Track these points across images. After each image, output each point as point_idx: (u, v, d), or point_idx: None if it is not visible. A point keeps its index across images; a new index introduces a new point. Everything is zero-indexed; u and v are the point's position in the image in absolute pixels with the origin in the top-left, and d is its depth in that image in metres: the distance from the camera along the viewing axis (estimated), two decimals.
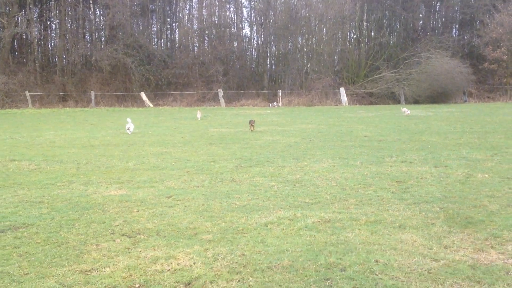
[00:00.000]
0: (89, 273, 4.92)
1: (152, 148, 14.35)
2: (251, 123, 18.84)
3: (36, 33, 44.96)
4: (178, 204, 7.59)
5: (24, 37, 46.75)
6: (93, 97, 39.30)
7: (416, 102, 39.73)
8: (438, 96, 39.59)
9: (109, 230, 6.29)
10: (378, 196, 7.90)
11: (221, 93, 40.89)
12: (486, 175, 9.42)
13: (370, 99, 43.50)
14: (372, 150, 13.19)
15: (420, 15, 52.95)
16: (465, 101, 41.73)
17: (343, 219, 6.60)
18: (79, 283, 4.66)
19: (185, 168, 10.85)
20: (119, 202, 7.75)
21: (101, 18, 49.46)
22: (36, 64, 45.38)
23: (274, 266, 4.97)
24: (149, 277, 4.77)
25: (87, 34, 49.74)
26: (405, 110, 25.81)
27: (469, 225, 6.25)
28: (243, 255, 5.30)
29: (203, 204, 7.56)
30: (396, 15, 50.88)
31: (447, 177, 9.30)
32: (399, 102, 41.61)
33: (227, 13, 53.69)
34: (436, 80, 38.95)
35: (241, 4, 54.46)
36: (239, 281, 4.64)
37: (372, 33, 51.61)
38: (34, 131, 20.28)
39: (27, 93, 38.17)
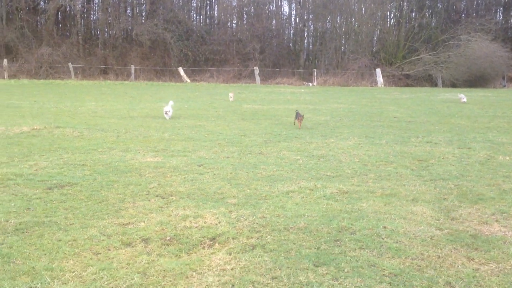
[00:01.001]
0: (126, 226, 5.56)
1: (187, 121, 15.01)
2: (299, 118, 13.51)
3: (79, 6, 46.08)
4: (208, 172, 8.19)
5: (67, 9, 48.01)
6: (133, 71, 40.33)
7: (453, 85, 39.22)
8: (476, 80, 38.95)
9: (144, 191, 6.94)
10: (397, 173, 8.30)
11: (257, 70, 41.27)
12: (507, 158, 9.66)
13: (407, 81, 43.14)
14: (400, 130, 13.48)
15: None
16: (504, 86, 40.91)
17: (360, 191, 7.06)
18: (117, 233, 5.31)
19: (216, 140, 11.45)
20: (154, 168, 8.41)
21: None
22: (79, 37, 46.69)
23: (291, 227, 5.50)
24: (179, 232, 5.37)
25: (128, 8, 50.70)
26: (462, 96, 22.44)
27: (480, 201, 6.62)
28: (264, 217, 5.85)
29: (231, 173, 8.14)
30: None
31: (468, 158, 9.60)
32: (436, 85, 41.14)
33: None
34: (475, 64, 38.30)
35: None
36: (258, 238, 5.19)
37: (413, 14, 50.84)
38: (77, 101, 21.26)
39: (70, 64, 39.48)
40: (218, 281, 4.22)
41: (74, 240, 5.08)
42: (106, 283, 4.16)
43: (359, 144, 11.18)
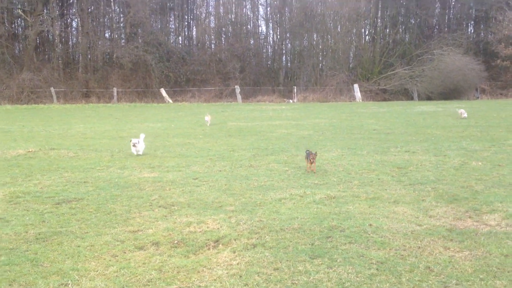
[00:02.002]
0: (136, 232, 6.10)
1: (176, 139, 15.56)
2: (311, 158, 9.63)
3: (58, 31, 46.46)
4: (203, 184, 8.77)
5: (47, 35, 48.34)
6: (115, 93, 40.74)
7: (428, 98, 40.47)
8: (451, 92, 40.28)
9: (147, 203, 7.49)
10: (379, 179, 8.98)
11: (238, 89, 42.03)
12: (480, 163, 10.42)
13: (384, 95, 44.34)
14: (379, 141, 14.23)
15: (436, 11, 53.52)
16: (477, 97, 42.33)
17: (346, 196, 7.71)
18: (129, 239, 5.84)
19: (207, 156, 12.03)
20: (152, 182, 8.95)
21: (121, 16, 50.88)
22: (59, 61, 46.98)
23: (286, 228, 6.11)
24: (185, 236, 5.93)
25: (107, 32, 51.24)
26: (462, 111, 20.54)
27: (454, 201, 7.31)
28: (261, 221, 6.44)
29: (225, 184, 8.72)
30: (410, 12, 51.56)
31: (444, 164, 10.33)
32: (412, 98, 42.38)
33: (244, 11, 54.91)
34: (448, 77, 39.67)
35: (257, 1, 55.57)
36: (257, 238, 5.78)
37: (387, 30, 52.40)
38: (64, 124, 21.64)
39: (52, 89, 39.73)
40: (227, 273, 4.79)
41: (91, 245, 5.61)
42: (128, 278, 4.70)
43: (342, 155, 11.86)
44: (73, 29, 51.22)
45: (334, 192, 7.93)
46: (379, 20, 53.13)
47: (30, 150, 13.08)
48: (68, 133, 17.88)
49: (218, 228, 6.18)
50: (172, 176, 9.55)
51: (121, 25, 50.43)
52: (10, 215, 6.90)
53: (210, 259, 5.20)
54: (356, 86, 43.00)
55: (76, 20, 50.47)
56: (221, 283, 4.57)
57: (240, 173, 9.84)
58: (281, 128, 18.66)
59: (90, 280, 4.64)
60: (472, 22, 55.04)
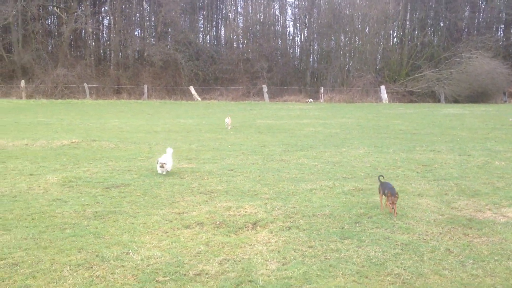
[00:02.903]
0: (181, 214, 6.75)
1: (208, 134, 16.26)
2: (391, 199, 6.59)
3: (92, 28, 47.76)
4: (239, 175, 9.40)
5: (80, 32, 49.75)
6: (145, 90, 41.80)
7: (456, 101, 40.47)
8: (478, 95, 40.21)
9: (189, 190, 8.15)
10: (404, 175, 9.48)
11: (265, 88, 42.65)
12: (503, 163, 10.82)
13: (410, 97, 44.41)
14: (405, 141, 14.67)
15: (465, 14, 53.24)
16: (505, 101, 42.12)
17: (373, 188, 8.24)
18: (176, 219, 6.49)
19: (240, 150, 12.67)
20: (191, 172, 9.63)
21: (152, 15, 52.02)
22: (92, 58, 48.31)
23: (318, 214, 6.69)
24: (226, 218, 6.56)
25: (138, 30, 52.43)
26: None
27: (476, 196, 7.78)
28: (294, 207, 7.04)
29: (259, 176, 9.34)
30: (439, 15, 51.43)
31: (468, 163, 10.76)
32: (439, 101, 42.39)
33: (272, 11, 55.46)
34: (476, 80, 39.61)
35: (286, 2, 56.11)
36: (292, 222, 6.37)
37: (415, 32, 52.37)
38: (100, 118, 22.58)
39: (85, 85, 41.00)
40: (266, 249, 5.39)
41: (144, 223, 6.28)
42: (179, 250, 5.34)
43: (369, 152, 12.37)
44: (105, 27, 52.61)
45: (361, 185, 8.48)
46: (407, 22, 53.13)
47: (74, 141, 13.92)
48: (105, 126, 18.75)
49: (255, 213, 6.79)
50: (208, 167, 10.21)
51: (152, 23, 51.59)
52: (66, 196, 7.64)
53: (250, 238, 5.81)
54: (382, 87, 43.20)
55: (108, 18, 51.86)
56: (262, 256, 5.17)
57: (272, 166, 10.44)
58: (308, 127, 19.20)
59: (147, 250, 5.30)
60: (502, 26, 54.58)
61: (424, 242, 5.58)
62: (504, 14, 51.65)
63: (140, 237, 5.77)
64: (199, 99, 41.87)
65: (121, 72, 46.53)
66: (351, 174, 9.53)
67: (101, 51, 52.43)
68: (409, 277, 4.61)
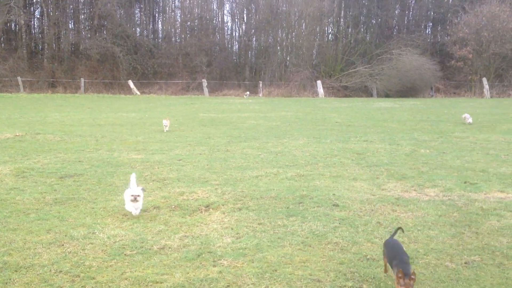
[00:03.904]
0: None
1: (153, 127, 16.59)
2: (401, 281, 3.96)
3: (24, 20, 46.22)
4: (188, 164, 9.93)
5: (13, 24, 48.02)
6: (82, 84, 41.08)
7: (387, 96, 42.53)
8: (407, 90, 42.45)
9: (142, 178, 8.60)
10: (341, 162, 10.34)
11: (205, 83, 43.01)
12: (428, 151, 11.94)
13: (345, 92, 46.16)
14: (341, 132, 15.66)
15: (396, 12, 55.78)
16: (432, 95, 44.67)
17: (313, 174, 9.02)
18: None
19: (186, 141, 13.17)
20: (141, 162, 10.05)
21: (87, 7, 50.89)
22: (24, 51, 46.75)
23: (265, 196, 7.35)
24: (180, 202, 7.09)
25: (71, 23, 51.09)
26: (467, 116, 18.18)
27: (403, 179, 8.72)
28: (243, 191, 7.67)
29: (207, 165, 9.91)
30: (371, 13, 53.62)
31: (396, 151, 11.80)
32: (371, 95, 44.38)
33: (210, 6, 55.70)
34: (406, 76, 41.82)
35: None
36: (242, 204, 7.00)
37: (349, 30, 54.34)
38: (39, 112, 22.25)
39: (19, 78, 39.76)
40: (220, 227, 5.99)
41: (104, 208, 6.72)
42: (141, 229, 5.84)
43: (308, 143, 13.21)
44: (36, 19, 50.89)
45: (303, 171, 9.24)
46: (341, 20, 54.99)
47: (17, 134, 13.90)
48: (47, 120, 18.61)
49: (207, 197, 7.37)
50: (158, 157, 10.66)
51: (87, 16, 50.47)
52: (22, 185, 7.90)
53: (204, 218, 6.39)
54: (319, 82, 44.64)
55: (39, 9, 50.19)
56: (217, 232, 5.77)
57: (218, 156, 11.03)
58: (250, 120, 19.90)
59: (111, 230, 5.76)
60: (430, 24, 57.54)
61: (359, 217, 6.38)
62: (432, 13, 54.51)
63: (103, 219, 6.22)
64: (138, 93, 41.64)
65: (56, 65, 45.37)
66: (292, 162, 10.28)
67: (33, 44, 50.76)
68: (346, 245, 5.36)
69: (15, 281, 4.36)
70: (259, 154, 11.34)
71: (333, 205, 6.91)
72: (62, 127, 16.13)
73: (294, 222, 6.14)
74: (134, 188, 6.48)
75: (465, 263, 4.89)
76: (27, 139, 13.18)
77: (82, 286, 4.26)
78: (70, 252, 5.05)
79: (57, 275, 4.49)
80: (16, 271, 4.57)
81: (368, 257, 5.01)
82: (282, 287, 4.31)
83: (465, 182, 8.39)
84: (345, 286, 4.34)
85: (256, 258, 4.96)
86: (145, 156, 10.80)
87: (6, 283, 4.31)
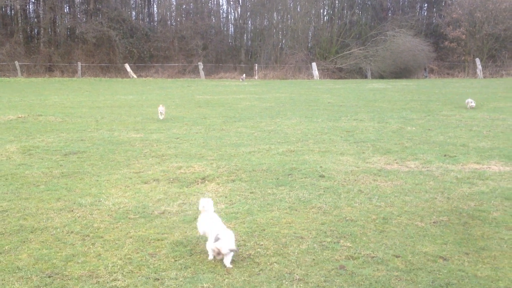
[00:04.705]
0: (139, 173, 7.77)
1: (150, 109, 17.08)
2: None
3: (19, 5, 46.27)
4: (185, 142, 10.47)
5: (8, 9, 48.08)
6: (79, 68, 41.36)
7: (381, 77, 42.94)
8: (401, 71, 42.86)
9: (141, 154, 9.15)
10: (330, 139, 10.89)
11: (201, 66, 43.31)
12: (414, 128, 12.50)
13: (340, 74, 46.56)
14: (333, 112, 16.19)
15: None
16: (426, 76, 45.10)
17: (303, 150, 9.58)
18: (135, 177, 7.51)
19: (183, 121, 13.69)
20: (141, 141, 10.59)
21: None
22: (20, 36, 46.87)
23: (257, 169, 7.92)
24: (178, 175, 7.65)
25: (66, 6, 51.05)
26: (469, 101, 17.54)
27: (387, 153, 9.28)
28: (236, 165, 8.23)
29: (203, 142, 10.45)
30: None
31: (384, 129, 12.36)
32: (366, 77, 44.80)
33: None
34: (400, 57, 42.18)
35: None
36: (235, 176, 7.56)
37: (344, 11, 54.51)
38: (39, 95, 22.69)
39: (16, 63, 40.01)
40: (215, 195, 6.56)
41: (107, 180, 7.27)
42: (143, 198, 6.40)
43: (300, 122, 13.75)
44: (31, 3, 50.89)
45: (293, 147, 9.80)
46: (337, 1, 55.08)
47: (20, 116, 14.40)
48: (47, 103, 19.08)
49: (203, 171, 7.92)
50: (156, 136, 11.20)
51: (81, 0, 50.44)
52: (29, 162, 8.45)
53: (200, 189, 6.96)
54: (314, 64, 44.99)
55: None
56: (212, 200, 6.32)
57: (214, 134, 11.57)
58: (245, 101, 20.40)
59: (115, 199, 6.33)
60: (425, 5, 57.70)
61: (342, 186, 6.95)
62: None
63: (107, 190, 6.77)
64: (135, 76, 41.98)
65: (53, 49, 45.56)
66: (284, 140, 10.83)
67: (28, 28, 50.80)
68: (328, 209, 5.93)
69: (32, 240, 4.92)
70: (253, 132, 11.88)
71: (320, 176, 7.48)
72: (62, 109, 16.62)
73: (283, 191, 6.71)
74: (220, 235, 4.44)
75: (434, 222, 5.47)
76: (30, 120, 13.68)
77: (92, 244, 4.83)
78: (79, 216, 5.62)
79: (69, 235, 5.05)
80: (32, 232, 5.13)
81: (347, 218, 5.58)
82: (269, 242, 4.88)
83: (444, 155, 8.97)
84: (324, 241, 4.91)
85: (247, 220, 5.54)
86: (144, 135, 11.34)
87: (24, 242, 4.87)
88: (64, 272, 4.20)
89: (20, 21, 47.38)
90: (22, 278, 4.09)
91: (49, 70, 43.31)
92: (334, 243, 4.86)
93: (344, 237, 5.04)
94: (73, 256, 4.52)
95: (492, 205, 6.05)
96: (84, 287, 3.95)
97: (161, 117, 14.08)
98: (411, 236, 5.05)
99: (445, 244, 4.87)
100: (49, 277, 4.10)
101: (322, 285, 4.00)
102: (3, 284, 4.00)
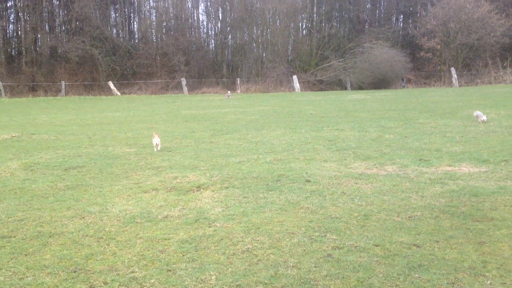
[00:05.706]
0: (138, 184, 8.35)
1: (139, 124, 17.66)
2: None
3: (2, 25, 46.55)
4: (177, 155, 11.08)
5: None
6: (63, 87, 41.71)
7: (360, 88, 44.10)
8: (379, 82, 44.09)
9: (138, 167, 9.74)
10: (314, 148, 11.60)
11: (184, 81, 43.99)
12: (392, 136, 13.28)
13: (320, 85, 47.65)
14: (315, 122, 16.94)
15: (367, 6, 57.44)
16: (403, 86, 46.37)
17: (289, 158, 10.27)
18: (135, 187, 8.10)
19: (172, 136, 14.30)
20: (135, 155, 11.17)
21: (64, 11, 51.28)
22: (2, 56, 47.11)
23: (248, 177, 8.56)
24: (175, 185, 8.25)
25: (47, 26, 51.39)
26: (479, 114, 16.03)
27: (367, 159, 10.01)
28: (228, 174, 8.87)
29: (194, 154, 11.07)
30: (343, 8, 55.22)
31: (364, 137, 13.12)
32: (345, 88, 45.94)
33: (185, 5, 56.56)
34: (377, 68, 43.45)
35: None
36: (228, 183, 8.20)
37: (323, 24, 55.81)
38: (27, 115, 23.08)
39: (0, 83, 40.26)
40: (211, 201, 7.18)
41: (110, 191, 7.85)
42: (146, 205, 7.00)
43: (284, 133, 14.45)
44: (12, 23, 51.16)
45: (280, 156, 10.48)
46: (315, 15, 56.36)
47: (14, 135, 14.86)
48: (36, 122, 19.52)
49: (198, 180, 8.54)
50: (149, 150, 11.79)
51: (63, 20, 50.84)
52: (33, 177, 8.98)
53: (197, 196, 7.57)
54: (295, 77, 45.97)
55: (13, 14, 50.43)
56: (209, 205, 6.95)
57: (203, 147, 12.20)
58: (230, 115, 21.07)
59: (121, 206, 6.91)
60: (400, 17, 59.40)
61: (327, 189, 7.63)
62: (402, 6, 56.20)
63: (111, 199, 7.35)
64: (119, 93, 42.43)
65: (36, 69, 45.88)
66: (271, 150, 11.50)
67: (10, 49, 51.02)
68: (315, 208, 6.60)
69: (52, 243, 5.49)
70: (241, 144, 12.53)
71: (306, 181, 8.16)
72: (53, 128, 17.10)
73: (273, 195, 7.36)
74: None
75: (409, 217, 6.17)
76: (24, 139, 14.16)
77: (106, 244, 5.42)
78: (91, 222, 6.20)
79: (84, 238, 5.64)
80: (50, 237, 5.70)
81: (333, 216, 6.25)
82: (264, 238, 5.52)
83: (420, 160, 9.73)
84: (313, 235, 5.57)
85: (242, 220, 6.17)
86: (137, 150, 11.92)
87: (45, 245, 5.43)
88: (87, 267, 4.78)
89: (1, 42, 47.61)
90: (50, 273, 4.66)
91: (33, 89, 43.60)
92: (322, 236, 5.52)
93: (330, 231, 5.69)
94: (91, 254, 5.11)
95: (461, 201, 6.77)
96: (107, 278, 4.54)
97: (155, 150, 11.89)
98: (389, 229, 5.73)
99: (418, 234, 5.55)
100: (74, 272, 4.69)
101: (312, 270, 4.65)
102: (34, 279, 4.56)
